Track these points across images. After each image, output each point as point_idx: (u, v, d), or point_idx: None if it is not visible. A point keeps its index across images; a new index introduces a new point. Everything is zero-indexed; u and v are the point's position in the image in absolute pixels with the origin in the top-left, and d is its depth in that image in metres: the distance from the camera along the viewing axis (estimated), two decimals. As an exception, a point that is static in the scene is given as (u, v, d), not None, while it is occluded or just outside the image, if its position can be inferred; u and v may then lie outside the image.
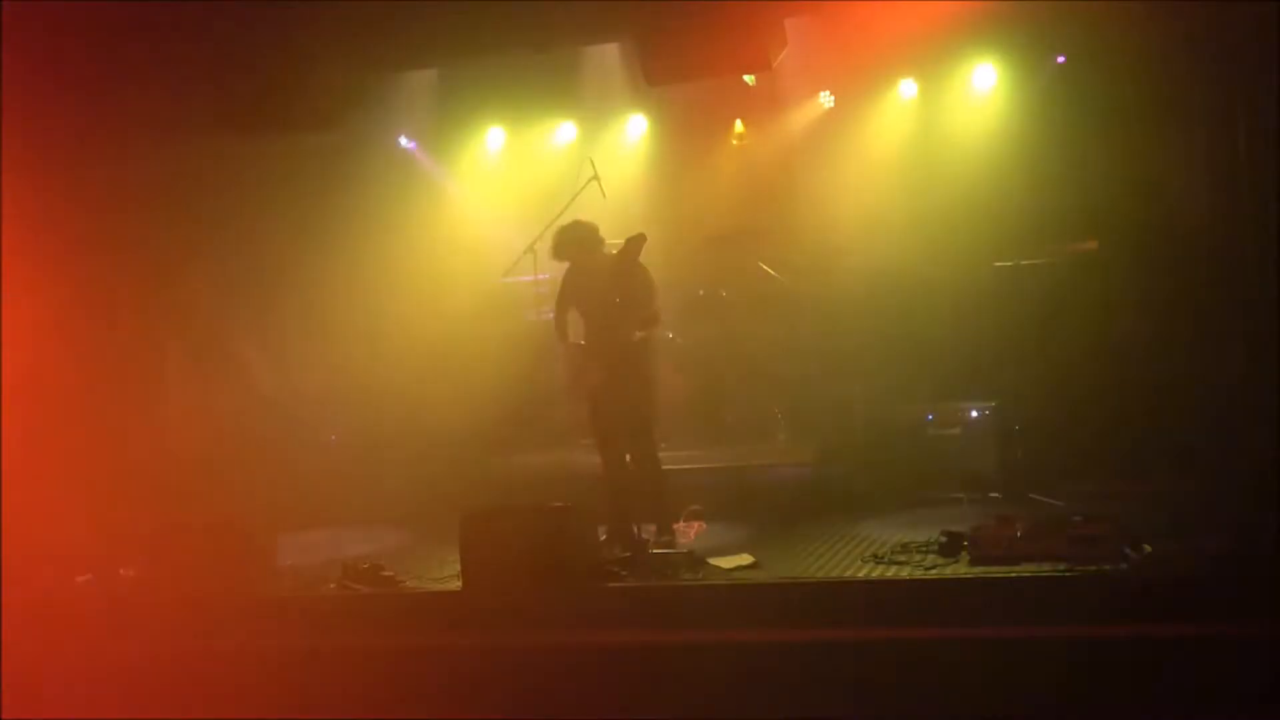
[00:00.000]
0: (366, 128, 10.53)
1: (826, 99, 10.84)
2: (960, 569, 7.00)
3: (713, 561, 7.56)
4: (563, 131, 11.52)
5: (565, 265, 8.50)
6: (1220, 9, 8.54)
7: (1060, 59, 9.96)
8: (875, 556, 7.42)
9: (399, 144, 11.46)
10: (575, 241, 8.25)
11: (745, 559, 7.59)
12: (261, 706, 6.83)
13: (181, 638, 7.43)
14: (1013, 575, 6.72)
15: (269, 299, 10.62)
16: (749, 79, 10.08)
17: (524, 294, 10.59)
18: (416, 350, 10.69)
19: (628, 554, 7.76)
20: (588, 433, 8.80)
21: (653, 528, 8.18)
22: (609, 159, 10.92)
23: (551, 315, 8.69)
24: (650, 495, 8.15)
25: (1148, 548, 6.70)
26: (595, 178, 9.91)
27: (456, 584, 7.53)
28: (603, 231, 8.35)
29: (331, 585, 7.79)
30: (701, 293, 10.54)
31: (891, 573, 7.08)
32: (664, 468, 8.47)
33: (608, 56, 10.37)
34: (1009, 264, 9.84)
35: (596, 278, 8.16)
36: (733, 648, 6.68)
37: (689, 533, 8.64)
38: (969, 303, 9.94)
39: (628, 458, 8.22)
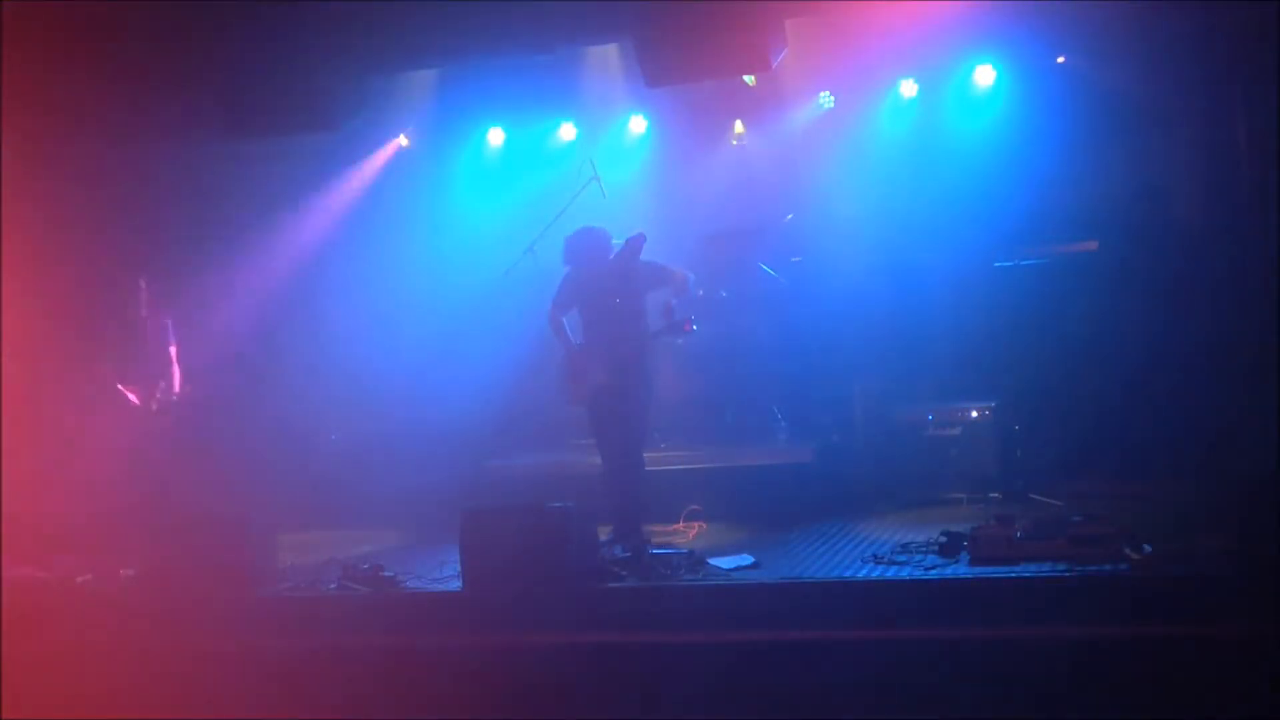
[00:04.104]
0: (366, 128, 10.53)
1: (826, 99, 10.84)
2: (960, 569, 7.00)
3: (713, 561, 7.56)
4: (563, 131, 11.52)
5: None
6: (1220, 9, 8.53)
7: (1060, 59, 9.96)
8: (875, 556, 7.42)
9: (399, 145, 11.45)
10: (585, 250, 8.26)
11: (745, 559, 7.59)
12: (261, 706, 6.84)
13: (181, 638, 7.43)
14: (1013, 575, 6.73)
15: (270, 299, 10.61)
16: (749, 79, 10.08)
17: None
18: (417, 350, 10.69)
19: (628, 554, 7.76)
20: (587, 433, 8.79)
21: (654, 528, 8.20)
22: (609, 159, 10.92)
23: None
24: (623, 496, 8.11)
25: (1148, 548, 6.70)
26: (595, 178, 9.91)
27: (456, 584, 7.53)
28: (613, 237, 8.36)
29: (331, 585, 7.79)
30: (701, 293, 10.54)
31: (891, 573, 7.08)
32: (666, 468, 8.46)
33: (608, 57, 10.35)
34: (1009, 264, 9.84)
35: (598, 279, 8.16)
36: (733, 648, 6.68)
37: (689, 533, 8.65)
38: (969, 303, 9.95)
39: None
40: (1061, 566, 6.71)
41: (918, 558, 7.24)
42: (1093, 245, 9.69)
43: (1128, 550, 6.71)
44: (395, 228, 11.05)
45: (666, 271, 8.25)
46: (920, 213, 10.26)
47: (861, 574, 7.15)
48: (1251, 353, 8.64)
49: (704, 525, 8.74)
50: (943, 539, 7.31)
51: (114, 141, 9.29)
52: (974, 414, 9.24)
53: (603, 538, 7.92)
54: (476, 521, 7.47)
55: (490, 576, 7.30)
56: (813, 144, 10.87)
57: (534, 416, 10.66)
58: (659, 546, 7.95)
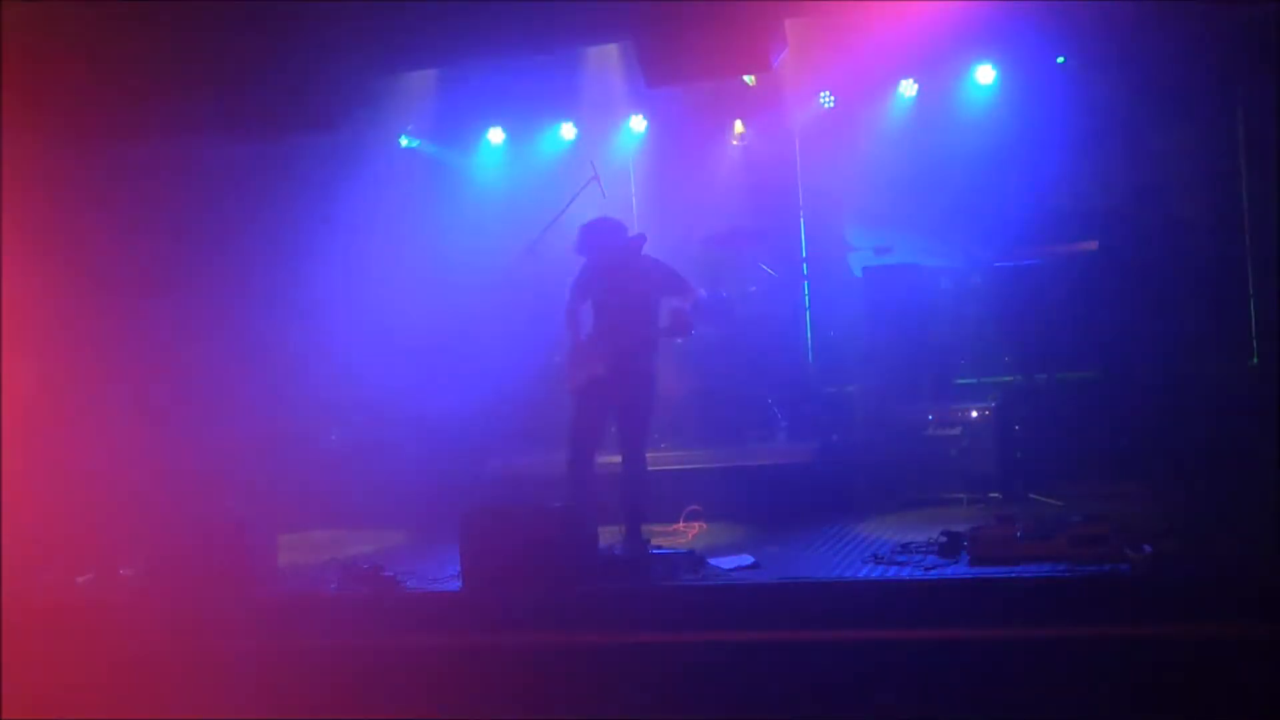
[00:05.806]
0: (367, 129, 10.54)
1: (826, 99, 10.85)
2: (960, 569, 6.99)
3: (713, 561, 7.56)
4: (563, 131, 11.53)
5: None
6: (1220, 9, 8.54)
7: (1060, 59, 9.97)
8: (875, 556, 7.41)
9: (399, 145, 11.46)
10: (595, 241, 8.23)
11: (745, 559, 7.59)
12: (262, 706, 6.83)
13: (182, 638, 7.43)
14: (1013, 575, 6.72)
15: (270, 299, 10.61)
16: (749, 79, 10.08)
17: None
18: (417, 350, 10.69)
19: (626, 554, 7.76)
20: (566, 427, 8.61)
21: (654, 528, 8.18)
22: (609, 159, 10.93)
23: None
24: (630, 496, 8.10)
25: (1148, 548, 6.70)
26: (595, 178, 9.91)
27: (456, 584, 7.54)
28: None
29: (331, 585, 7.79)
30: (701, 293, 10.53)
31: (891, 573, 7.07)
32: (666, 468, 8.42)
33: (608, 57, 10.38)
34: (1009, 264, 9.85)
35: (605, 274, 8.17)
36: (733, 648, 6.68)
37: (689, 533, 8.65)
38: (969, 303, 9.95)
39: (619, 458, 8.16)
40: (1061, 566, 6.71)
41: (918, 558, 7.24)
42: (1093, 245, 9.69)
43: (1128, 550, 6.71)
44: (395, 227, 11.05)
45: (686, 285, 8.21)
46: (920, 213, 10.27)
47: (861, 574, 7.15)
48: (1251, 352, 8.65)
49: (704, 525, 8.74)
50: (943, 539, 7.31)
51: (112, 142, 9.27)
52: (974, 414, 9.24)
53: (603, 541, 7.91)
54: (476, 521, 7.47)
55: (490, 576, 7.30)
56: (813, 144, 10.88)
57: (534, 416, 10.65)
58: (659, 546, 7.95)
